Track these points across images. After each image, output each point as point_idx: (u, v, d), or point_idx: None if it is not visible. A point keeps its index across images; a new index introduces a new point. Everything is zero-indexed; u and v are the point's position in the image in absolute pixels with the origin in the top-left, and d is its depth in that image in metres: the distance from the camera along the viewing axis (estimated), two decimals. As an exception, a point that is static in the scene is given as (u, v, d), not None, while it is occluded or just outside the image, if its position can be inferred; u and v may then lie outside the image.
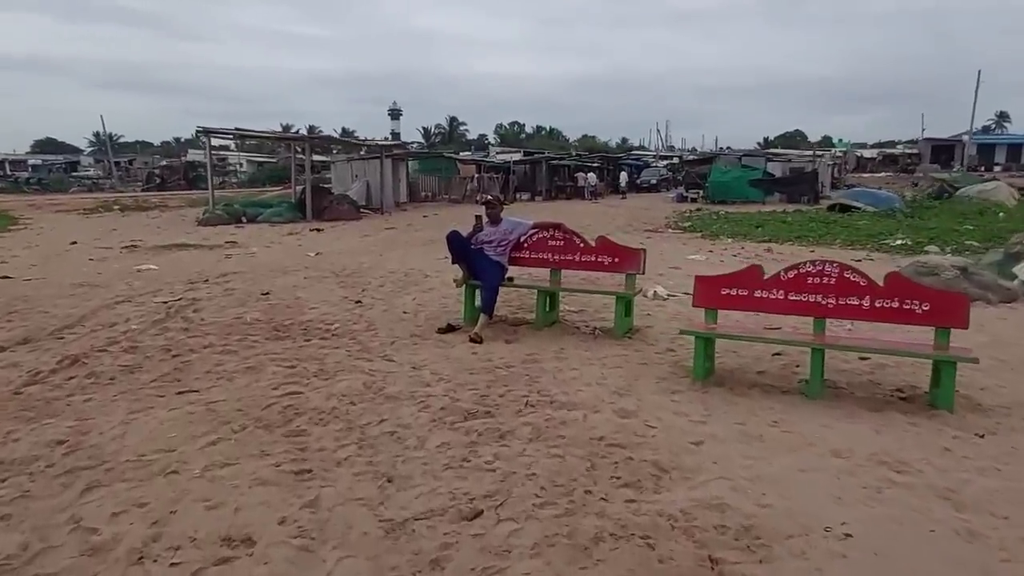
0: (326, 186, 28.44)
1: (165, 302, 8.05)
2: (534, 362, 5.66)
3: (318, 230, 18.23)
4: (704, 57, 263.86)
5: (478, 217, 7.10)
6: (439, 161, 37.52)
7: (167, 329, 6.70)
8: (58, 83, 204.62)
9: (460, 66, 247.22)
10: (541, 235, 7.06)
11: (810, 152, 42.37)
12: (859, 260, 12.49)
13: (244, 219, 20.93)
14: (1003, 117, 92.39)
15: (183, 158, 56.57)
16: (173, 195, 38.59)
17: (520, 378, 5.20)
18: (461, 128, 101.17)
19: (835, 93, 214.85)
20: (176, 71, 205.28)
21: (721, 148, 66.48)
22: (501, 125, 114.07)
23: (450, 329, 6.76)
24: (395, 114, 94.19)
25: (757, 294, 5.21)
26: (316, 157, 45.17)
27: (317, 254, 13.11)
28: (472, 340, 6.29)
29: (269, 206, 22.42)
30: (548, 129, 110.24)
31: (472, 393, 4.82)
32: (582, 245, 6.89)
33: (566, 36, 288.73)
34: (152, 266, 11.28)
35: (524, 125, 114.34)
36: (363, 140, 43.39)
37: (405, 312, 7.65)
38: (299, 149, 24.54)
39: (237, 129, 21.70)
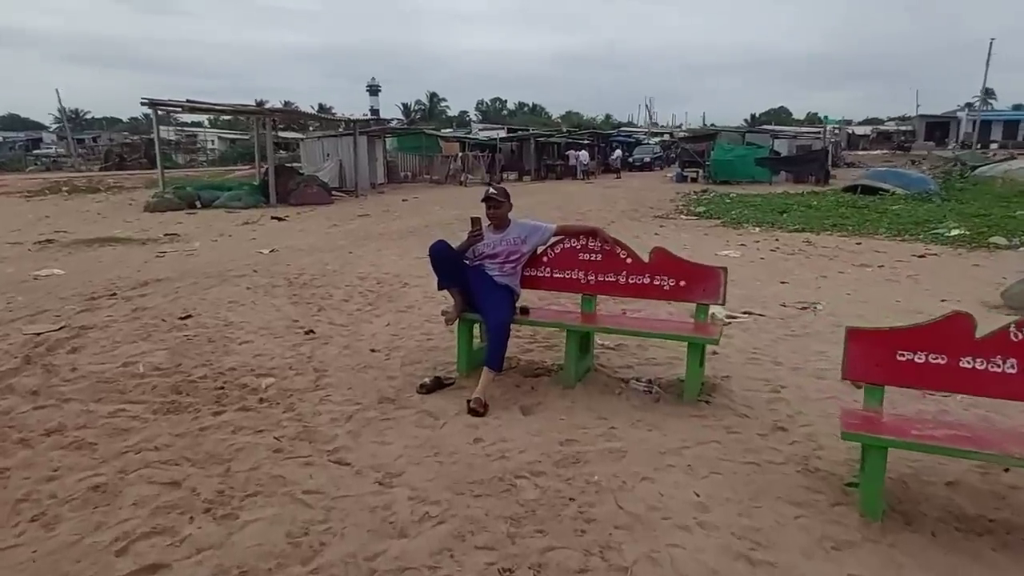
0: (294, 166, 25.84)
1: (38, 334, 5.75)
2: (575, 462, 3.49)
3: (279, 218, 15.81)
4: (688, 32, 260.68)
5: (475, 220, 4.81)
6: (419, 138, 34.76)
7: (11, 391, 4.43)
8: (23, 56, 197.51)
9: (440, 41, 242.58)
10: (568, 245, 4.85)
11: (817, 129, 40.41)
12: (921, 256, 10.46)
13: (199, 203, 18.43)
14: (988, 94, 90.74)
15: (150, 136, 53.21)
16: (132, 174, 35.66)
17: (561, 510, 3.03)
18: (441, 104, 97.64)
19: (818, 70, 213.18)
20: (148, 45, 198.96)
21: (706, 125, 64.14)
22: (483, 101, 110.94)
23: (438, 385, 4.57)
24: (374, 90, 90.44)
25: (965, 363, 3.06)
26: (291, 135, 42.34)
27: (272, 251, 10.78)
28: (472, 411, 4.11)
29: (228, 189, 19.88)
30: (531, 105, 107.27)
31: (482, 557, 2.64)
32: (629, 260, 4.68)
33: (549, 9, 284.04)
34: (57, 270, 8.92)
35: (506, 101, 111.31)
36: (337, 116, 40.58)
37: (373, 350, 5.44)
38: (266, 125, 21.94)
39: (188, 101, 19.00)
